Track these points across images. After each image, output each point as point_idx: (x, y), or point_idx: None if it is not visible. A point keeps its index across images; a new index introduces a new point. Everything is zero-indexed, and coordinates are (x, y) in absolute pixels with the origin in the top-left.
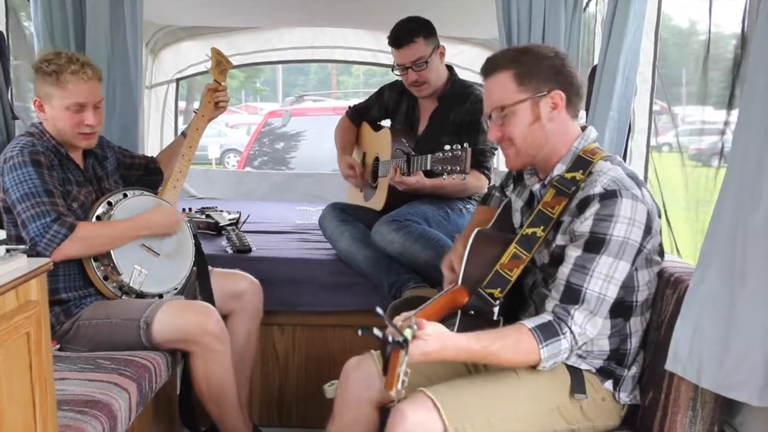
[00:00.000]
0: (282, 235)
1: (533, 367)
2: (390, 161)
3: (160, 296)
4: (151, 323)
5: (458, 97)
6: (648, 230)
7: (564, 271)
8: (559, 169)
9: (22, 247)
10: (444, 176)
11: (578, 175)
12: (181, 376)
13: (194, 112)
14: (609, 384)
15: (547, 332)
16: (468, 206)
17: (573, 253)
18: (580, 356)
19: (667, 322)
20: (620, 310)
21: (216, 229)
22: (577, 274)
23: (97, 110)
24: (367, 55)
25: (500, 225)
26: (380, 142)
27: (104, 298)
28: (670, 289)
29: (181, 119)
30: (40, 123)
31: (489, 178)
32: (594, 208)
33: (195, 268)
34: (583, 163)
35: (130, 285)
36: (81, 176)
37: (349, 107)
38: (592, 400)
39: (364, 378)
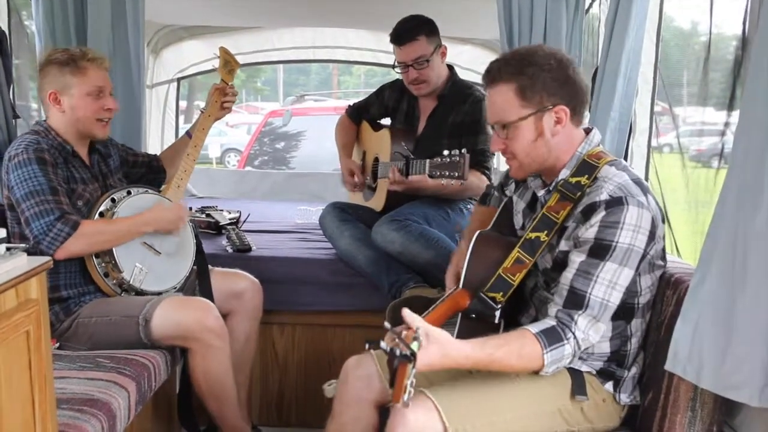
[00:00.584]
0: (282, 234)
1: (535, 372)
2: (389, 163)
3: (159, 294)
4: (150, 320)
5: (458, 98)
6: (652, 236)
7: (567, 276)
8: (563, 174)
9: (22, 245)
10: (442, 182)
11: (583, 179)
12: (180, 375)
13: (201, 111)
14: (609, 385)
15: (551, 337)
16: (468, 206)
17: (577, 258)
18: (580, 358)
19: (667, 322)
20: (622, 313)
21: (216, 228)
22: (580, 279)
23: (112, 97)
24: (368, 55)
25: (500, 227)
26: (380, 142)
27: (104, 296)
28: (670, 290)
29: (182, 119)
30: (45, 121)
31: (489, 178)
32: (600, 215)
33: (195, 267)
34: (588, 167)
35: (131, 283)
36: (87, 173)
37: (349, 105)
38: (593, 402)
39: (364, 377)
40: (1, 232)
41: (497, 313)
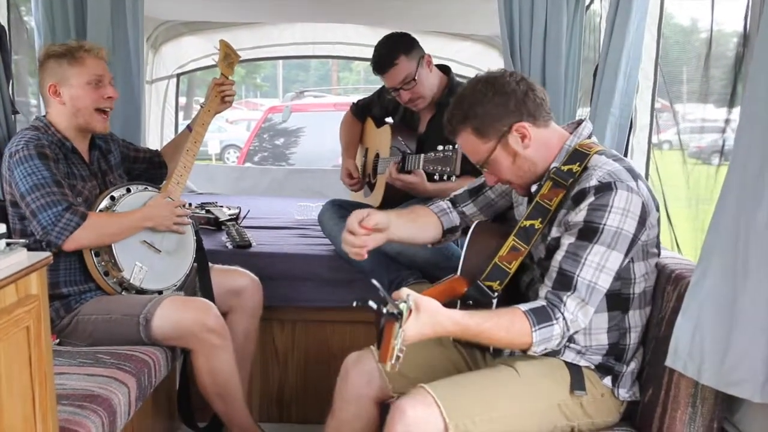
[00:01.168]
0: (282, 230)
1: (524, 352)
2: (388, 159)
3: (160, 293)
4: (150, 320)
5: None
6: (642, 222)
7: (557, 258)
8: (556, 163)
9: (22, 240)
10: (435, 177)
11: (575, 167)
12: (180, 372)
13: (200, 106)
14: (608, 380)
15: (540, 316)
16: None
17: (566, 241)
18: (579, 352)
19: (668, 318)
20: (617, 302)
21: (216, 225)
22: (569, 261)
23: (113, 87)
24: (367, 52)
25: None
26: (381, 138)
27: (104, 294)
28: (670, 286)
29: (181, 114)
30: (44, 116)
31: None
32: (589, 199)
33: (195, 264)
34: (579, 155)
35: (130, 281)
36: (86, 170)
37: (354, 103)
38: (591, 397)
39: (364, 373)
40: (0, 227)
41: (494, 302)
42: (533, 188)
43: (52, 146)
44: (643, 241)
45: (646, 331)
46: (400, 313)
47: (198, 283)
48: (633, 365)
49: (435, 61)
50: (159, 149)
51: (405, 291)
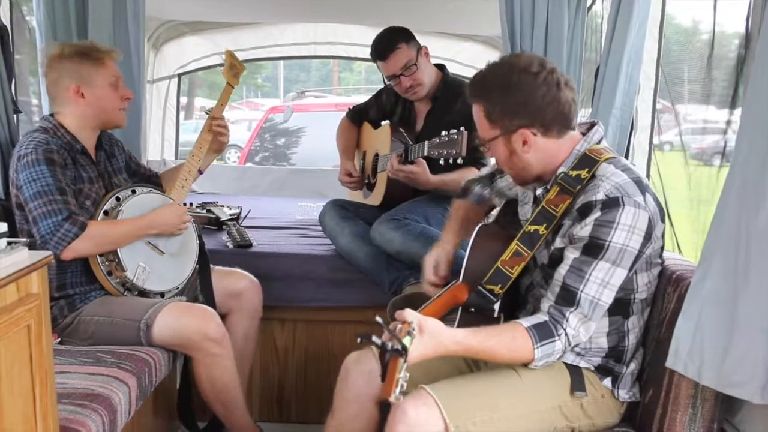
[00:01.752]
0: (283, 230)
1: (525, 365)
2: (389, 154)
3: (162, 295)
4: (151, 326)
5: (451, 97)
6: (648, 237)
7: (561, 272)
8: (563, 168)
9: (23, 239)
10: (441, 162)
11: (583, 173)
12: (181, 373)
13: (206, 113)
14: (608, 381)
15: (543, 333)
16: None
17: (571, 255)
18: (578, 354)
19: (668, 319)
20: (618, 308)
21: (217, 224)
22: (573, 276)
23: (126, 87)
24: (368, 52)
25: (502, 220)
26: (380, 137)
27: (108, 294)
28: (671, 287)
29: (182, 114)
30: (52, 115)
31: None
32: (595, 214)
33: (197, 266)
34: (588, 161)
35: (133, 282)
36: (94, 171)
37: (350, 108)
38: (591, 398)
39: (365, 373)
40: (1, 227)
41: (496, 307)
42: (538, 191)
43: (60, 150)
44: (646, 255)
45: (646, 333)
46: (405, 348)
47: (199, 286)
48: (633, 366)
49: (435, 62)
50: (158, 173)
51: (410, 315)
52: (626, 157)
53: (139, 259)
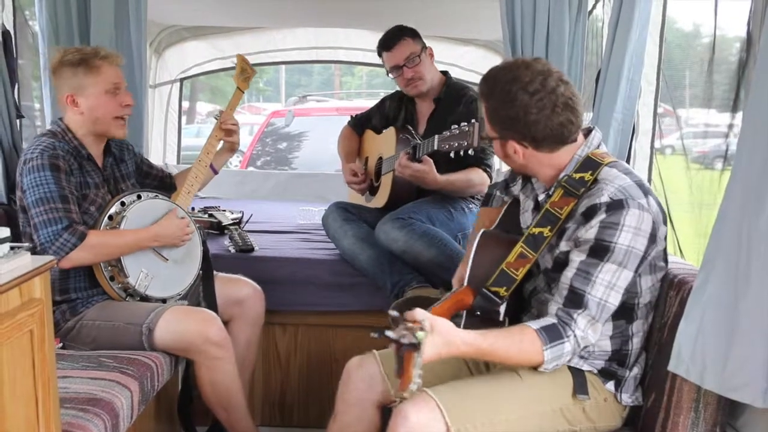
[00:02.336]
0: (285, 234)
1: (534, 368)
2: (395, 156)
3: (164, 301)
4: (153, 329)
5: (453, 100)
6: (653, 239)
7: (567, 275)
8: (566, 171)
9: (26, 244)
10: (452, 154)
11: (587, 175)
12: (182, 379)
13: (215, 117)
14: (611, 385)
15: (552, 335)
16: (470, 205)
17: (577, 258)
18: (582, 357)
19: (670, 323)
20: (622, 312)
21: (219, 229)
22: (580, 279)
23: (127, 93)
24: (370, 56)
25: (505, 225)
26: (384, 141)
27: (110, 299)
28: (673, 291)
29: (184, 119)
30: (61, 119)
31: (490, 176)
32: (600, 216)
33: (200, 272)
34: (592, 163)
35: (135, 288)
36: (100, 176)
37: (352, 116)
38: (594, 401)
39: (366, 378)
40: (4, 232)
41: (501, 310)
42: (541, 197)
43: (67, 156)
44: (651, 257)
45: (648, 336)
46: (419, 343)
47: (202, 293)
48: (636, 370)
49: (437, 66)
50: (173, 174)
51: (420, 314)
52: (627, 161)
53: (142, 266)
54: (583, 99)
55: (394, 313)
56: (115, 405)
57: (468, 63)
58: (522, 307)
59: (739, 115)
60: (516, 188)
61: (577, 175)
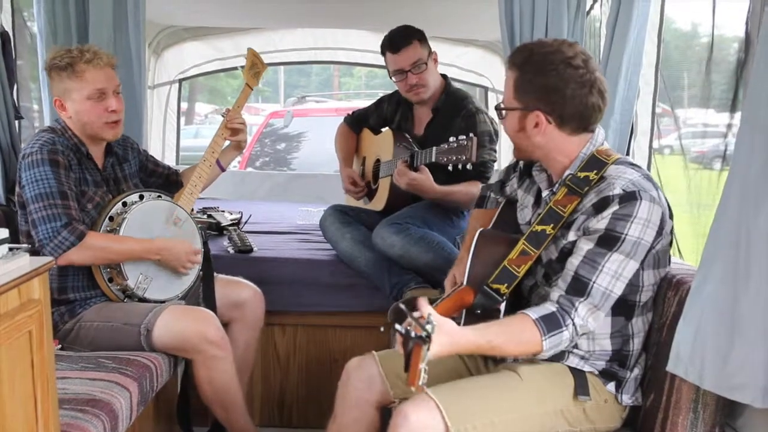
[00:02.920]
0: (283, 235)
1: (533, 356)
2: (393, 160)
3: (162, 303)
4: (151, 329)
5: (452, 110)
6: (660, 231)
7: (573, 262)
8: (570, 170)
9: (25, 245)
10: (449, 167)
11: (591, 174)
12: (181, 380)
13: (222, 115)
14: (611, 386)
15: (551, 324)
16: (468, 210)
17: (585, 246)
18: (582, 358)
19: (669, 323)
20: (622, 308)
21: (218, 230)
22: (586, 267)
23: (117, 96)
24: (369, 57)
25: (501, 226)
26: (381, 143)
27: (108, 300)
28: (672, 291)
29: (183, 120)
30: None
31: None
32: (613, 208)
33: (201, 273)
34: (596, 163)
35: (134, 290)
36: (98, 176)
37: (348, 114)
38: (594, 402)
39: (365, 378)
40: (2, 233)
41: (502, 307)
42: (545, 194)
43: (66, 151)
44: (656, 249)
45: (647, 337)
46: (428, 336)
47: (201, 294)
48: (636, 371)
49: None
50: (179, 170)
51: (426, 310)
52: None
53: (141, 269)
54: None
55: (401, 306)
56: (114, 406)
57: (467, 64)
58: (522, 306)
59: (738, 115)
60: (511, 187)
61: (582, 174)
